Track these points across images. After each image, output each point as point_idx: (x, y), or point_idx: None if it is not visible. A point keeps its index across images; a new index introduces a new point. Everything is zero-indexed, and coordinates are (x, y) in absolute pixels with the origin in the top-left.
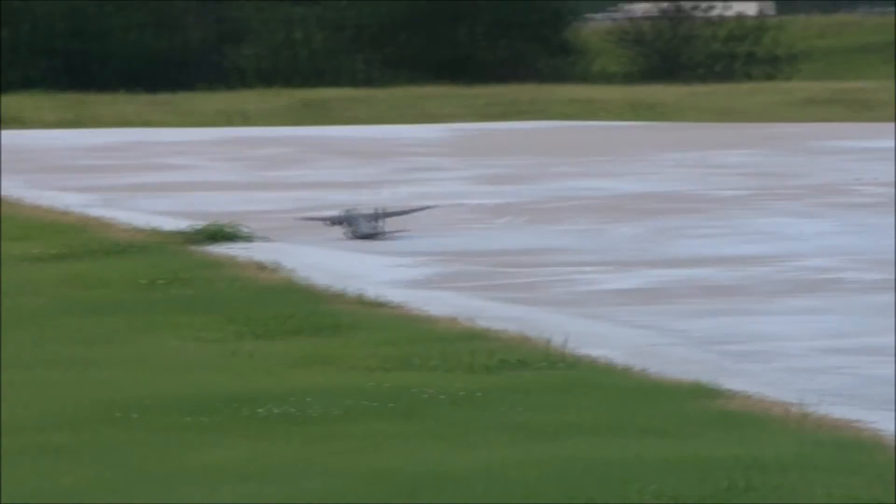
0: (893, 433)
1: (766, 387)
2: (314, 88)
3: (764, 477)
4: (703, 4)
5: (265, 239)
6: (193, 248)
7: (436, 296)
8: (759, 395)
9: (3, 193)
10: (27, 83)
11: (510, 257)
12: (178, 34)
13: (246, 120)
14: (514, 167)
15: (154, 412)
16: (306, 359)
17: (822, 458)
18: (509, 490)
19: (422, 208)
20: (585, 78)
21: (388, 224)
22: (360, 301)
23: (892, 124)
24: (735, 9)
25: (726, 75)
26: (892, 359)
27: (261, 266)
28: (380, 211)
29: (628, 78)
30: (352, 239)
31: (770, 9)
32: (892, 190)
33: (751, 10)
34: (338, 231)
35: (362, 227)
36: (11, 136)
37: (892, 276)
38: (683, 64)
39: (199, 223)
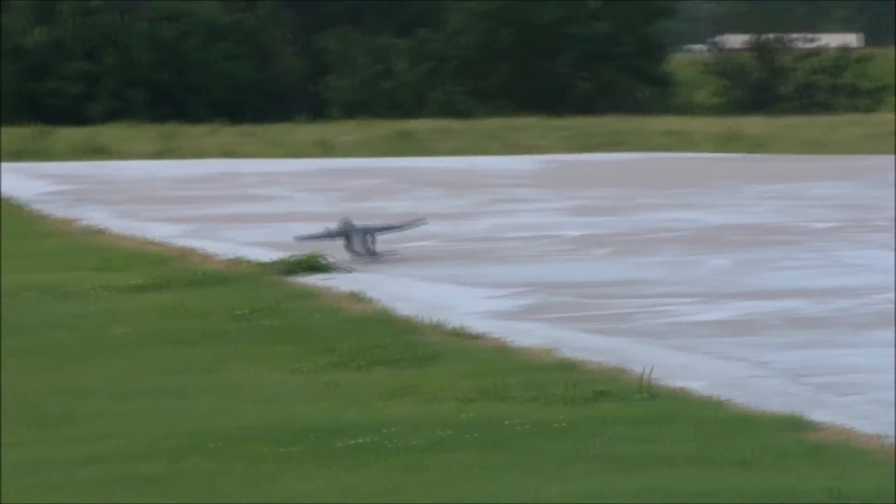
0: None
1: (856, 419)
2: (406, 119)
3: None
4: (796, 37)
5: (356, 269)
6: (284, 278)
7: (526, 327)
8: (850, 427)
9: (93, 224)
10: (118, 114)
11: (600, 288)
12: (272, 65)
13: (338, 151)
14: (605, 198)
15: (245, 443)
16: (397, 390)
17: None
18: None
19: (416, 222)
20: (679, 109)
21: (390, 237)
22: (451, 332)
23: None
24: (826, 41)
25: (817, 107)
26: None
27: (352, 297)
28: (370, 228)
29: (721, 109)
30: (352, 254)
31: (860, 41)
32: None
33: (840, 42)
34: (428, 262)
35: (356, 246)
36: (102, 166)
37: None
38: (776, 96)
39: (291, 254)
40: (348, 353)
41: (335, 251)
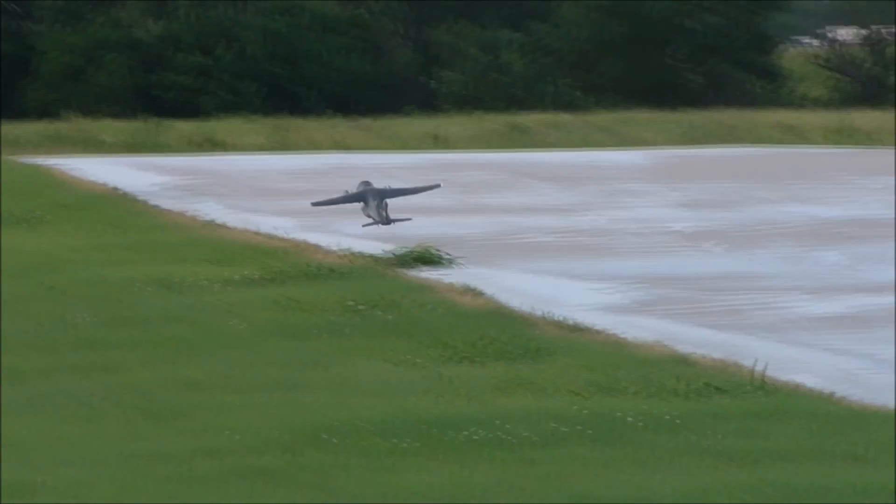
0: None
1: None
2: (517, 113)
3: None
4: None
5: (468, 263)
6: (397, 272)
7: (638, 320)
8: None
9: (208, 216)
10: (232, 107)
11: (712, 282)
12: (384, 58)
13: (450, 144)
14: (716, 192)
15: (359, 435)
16: (509, 383)
17: None
18: None
19: (430, 187)
20: (790, 102)
21: (398, 203)
22: (562, 325)
23: None
24: None
25: None
26: None
27: (464, 290)
28: (386, 191)
29: (833, 103)
30: (368, 218)
31: None
32: None
33: None
34: (540, 256)
35: (371, 212)
36: (216, 159)
37: None
38: (888, 89)
39: (403, 247)
40: (461, 347)
41: (445, 245)
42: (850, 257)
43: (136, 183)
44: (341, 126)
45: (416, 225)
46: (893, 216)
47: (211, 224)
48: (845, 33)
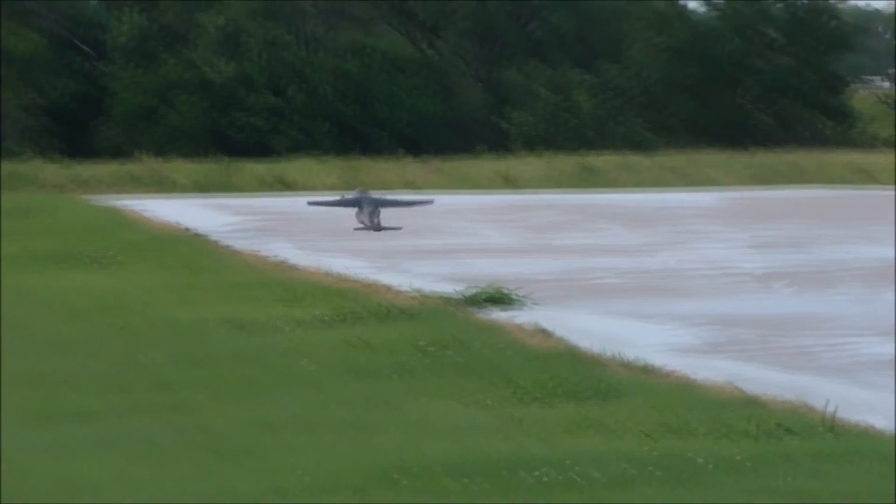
0: None
1: None
2: (588, 153)
3: None
4: None
5: (539, 304)
6: (467, 312)
7: (707, 361)
8: None
9: (279, 256)
10: (303, 147)
11: (781, 323)
12: (455, 98)
13: (520, 184)
14: (786, 233)
15: (429, 476)
16: (580, 424)
17: None
18: None
19: (424, 202)
20: (860, 143)
21: (391, 213)
22: (632, 366)
23: None
24: None
25: None
26: None
27: (534, 331)
28: (380, 201)
29: None
30: (361, 223)
31: None
32: None
33: None
34: (610, 296)
35: (363, 218)
36: (287, 200)
37: None
38: None
39: (474, 288)
40: (531, 388)
41: (515, 285)
42: None
43: (208, 223)
44: (412, 166)
45: (486, 265)
46: None
47: (282, 264)
48: None
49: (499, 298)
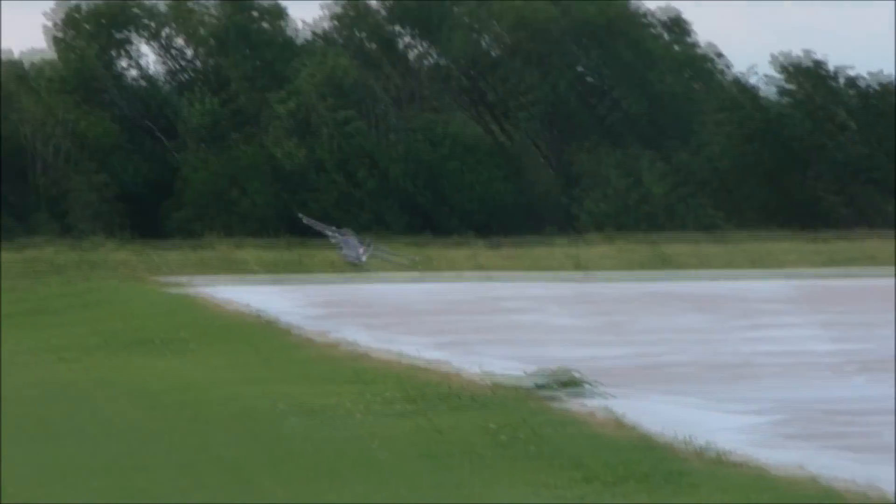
0: None
1: None
2: (659, 237)
3: None
4: None
5: (610, 389)
6: (538, 397)
7: (779, 448)
8: None
9: (351, 341)
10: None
11: (854, 409)
12: (525, 181)
13: (590, 267)
14: (858, 318)
15: None
16: None
17: None
18: None
19: (409, 261)
20: None
21: (376, 252)
22: (705, 453)
23: None
24: None
25: None
26: None
27: (606, 417)
28: (368, 242)
29: None
30: (344, 258)
31: None
32: None
33: None
34: (682, 382)
35: (347, 253)
36: (358, 284)
37: None
38: None
39: (544, 372)
40: (603, 474)
41: (586, 371)
42: None
43: (280, 307)
44: (482, 249)
45: (557, 350)
46: None
47: (353, 348)
48: None
49: (570, 383)
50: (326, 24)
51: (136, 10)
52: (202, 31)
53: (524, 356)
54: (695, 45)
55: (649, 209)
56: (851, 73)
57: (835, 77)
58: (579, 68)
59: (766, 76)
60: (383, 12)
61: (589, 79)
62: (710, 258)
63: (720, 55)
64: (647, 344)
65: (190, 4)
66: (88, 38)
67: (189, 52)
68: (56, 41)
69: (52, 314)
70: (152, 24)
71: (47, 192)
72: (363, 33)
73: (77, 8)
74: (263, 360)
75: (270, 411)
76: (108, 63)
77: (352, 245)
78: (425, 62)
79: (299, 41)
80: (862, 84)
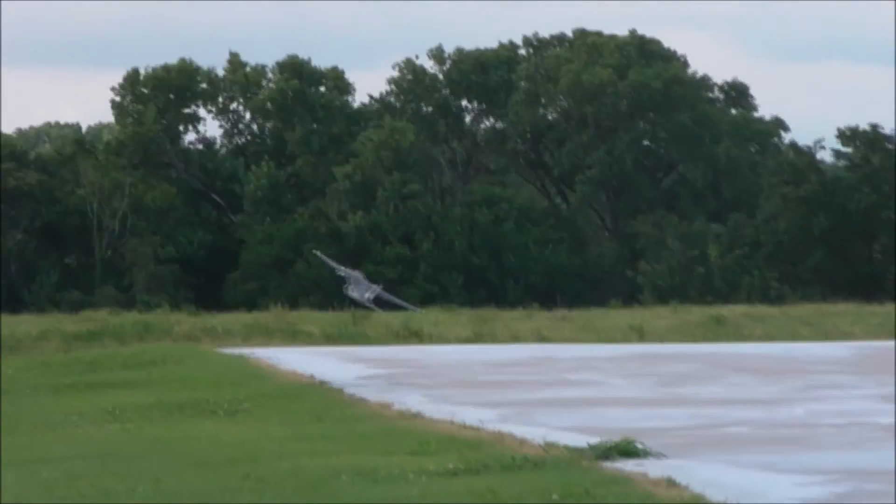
0: None
1: None
2: (719, 305)
3: None
4: None
5: (669, 455)
6: (596, 463)
7: None
8: None
9: (408, 407)
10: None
11: None
12: (586, 250)
13: (651, 336)
14: None
15: None
16: None
17: None
18: None
19: (411, 308)
20: None
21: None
22: None
23: None
24: None
25: None
26: None
27: (663, 483)
28: (375, 287)
29: None
30: (351, 298)
31: None
32: None
33: None
34: (741, 448)
35: (352, 293)
36: (417, 350)
37: None
38: None
39: (603, 439)
40: None
41: (644, 437)
42: None
43: (338, 374)
44: (542, 318)
45: (616, 416)
46: None
47: (411, 414)
48: None
49: (628, 450)
50: (386, 91)
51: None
52: (262, 97)
53: (583, 424)
54: (755, 112)
55: (709, 277)
56: None
57: None
58: (641, 137)
59: (832, 149)
60: (443, 79)
61: (649, 146)
62: (769, 326)
63: (783, 125)
64: (707, 410)
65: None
66: (148, 103)
67: (248, 119)
68: (115, 106)
69: (109, 378)
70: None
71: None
72: (423, 101)
73: (136, 73)
74: (321, 425)
75: (328, 476)
76: (168, 128)
77: (361, 286)
78: (485, 130)
79: (359, 108)
80: None
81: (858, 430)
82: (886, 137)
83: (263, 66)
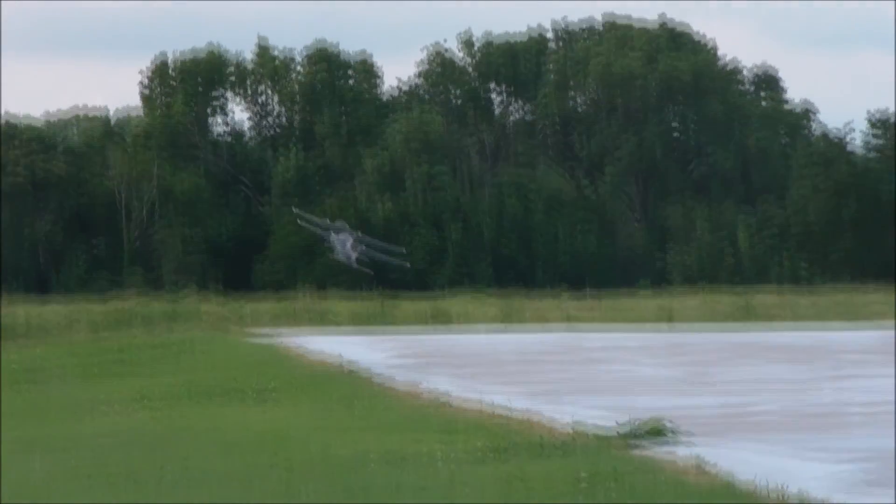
0: None
1: None
2: (749, 290)
3: None
4: None
5: (697, 439)
6: (624, 446)
7: (869, 496)
8: None
9: (437, 391)
10: (462, 282)
11: None
12: (615, 235)
13: (679, 320)
14: None
15: None
16: None
17: None
18: None
19: (401, 257)
20: None
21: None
22: (792, 502)
23: None
24: None
25: None
26: None
27: (693, 466)
28: (359, 237)
29: None
30: (335, 255)
31: None
32: None
33: None
34: (770, 432)
35: (339, 256)
36: (445, 335)
37: None
38: None
39: (631, 421)
40: None
41: (673, 420)
42: None
43: (366, 358)
44: (571, 302)
45: (644, 400)
46: None
47: (439, 398)
48: None
49: (657, 433)
50: (415, 76)
51: (224, 63)
52: (291, 86)
53: (612, 406)
54: (785, 100)
55: (739, 263)
56: None
57: None
58: (670, 124)
59: (861, 132)
60: (472, 69)
61: (678, 134)
62: (798, 310)
63: (812, 111)
64: (736, 394)
65: (275, 54)
66: (176, 92)
67: (277, 107)
68: (144, 97)
69: (137, 364)
70: (240, 78)
71: (138, 247)
72: (452, 89)
73: (164, 62)
74: (350, 409)
75: (356, 460)
76: (197, 116)
77: (345, 246)
78: (514, 117)
79: (388, 97)
80: None
81: (887, 414)
82: None
83: (291, 50)
